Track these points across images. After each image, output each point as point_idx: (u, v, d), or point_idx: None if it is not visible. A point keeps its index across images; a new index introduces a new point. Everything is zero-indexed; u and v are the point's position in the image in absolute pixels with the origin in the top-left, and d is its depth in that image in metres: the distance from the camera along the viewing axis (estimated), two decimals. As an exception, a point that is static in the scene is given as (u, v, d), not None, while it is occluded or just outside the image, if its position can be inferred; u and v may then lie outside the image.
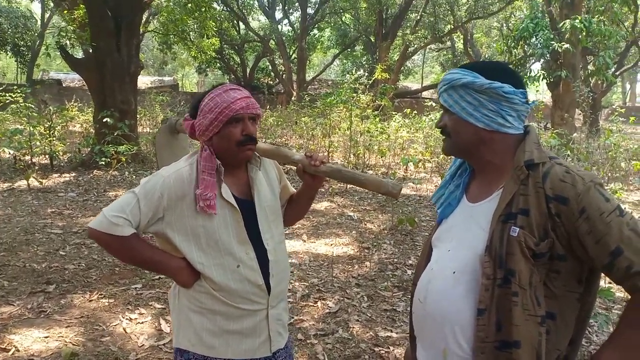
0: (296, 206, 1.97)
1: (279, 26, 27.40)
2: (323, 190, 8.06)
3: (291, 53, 27.36)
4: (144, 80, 26.93)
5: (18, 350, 3.13)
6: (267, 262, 1.73)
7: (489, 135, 1.32)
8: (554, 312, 1.23)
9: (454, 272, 1.32)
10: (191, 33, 18.37)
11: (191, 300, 1.70)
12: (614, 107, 17.12)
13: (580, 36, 13.17)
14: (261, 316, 1.73)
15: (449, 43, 27.85)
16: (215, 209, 1.64)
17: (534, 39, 15.63)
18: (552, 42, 13.75)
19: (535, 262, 1.21)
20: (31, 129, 9.05)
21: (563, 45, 13.34)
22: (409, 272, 4.71)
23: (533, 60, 19.11)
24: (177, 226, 1.65)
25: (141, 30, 12.06)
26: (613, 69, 18.14)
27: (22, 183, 7.76)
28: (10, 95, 10.53)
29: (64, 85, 25.28)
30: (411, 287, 1.53)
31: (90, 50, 9.70)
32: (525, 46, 16.80)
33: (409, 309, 3.91)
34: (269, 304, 1.73)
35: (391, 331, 3.56)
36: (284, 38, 26.77)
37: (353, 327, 3.60)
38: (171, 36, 16.96)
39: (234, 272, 1.66)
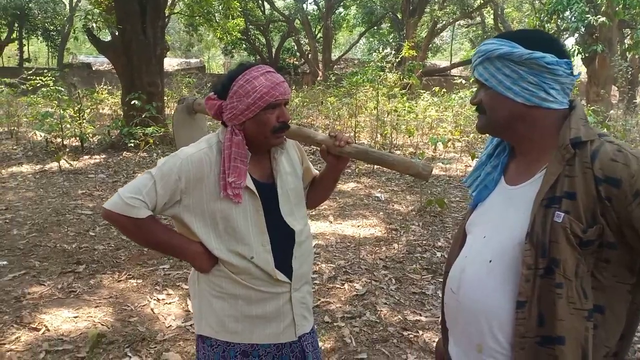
0: (319, 189, 1.90)
1: (304, 5, 27.05)
2: (349, 170, 7.97)
3: (317, 32, 27.06)
4: (171, 63, 27.07)
5: (48, 330, 3.18)
6: (292, 244, 1.67)
7: (529, 111, 1.20)
8: (602, 305, 1.12)
9: (490, 261, 1.22)
10: (216, 14, 18.27)
11: (211, 286, 1.65)
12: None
13: (617, 8, 12.60)
14: (284, 299, 1.67)
15: (478, 19, 27.07)
16: (241, 197, 1.58)
17: (567, 13, 15.02)
18: (587, 15, 13.18)
19: (582, 251, 1.10)
20: (61, 111, 9.18)
21: (599, 18, 12.78)
22: (439, 254, 4.61)
23: (567, 35, 18.37)
24: (195, 210, 1.59)
25: (167, 12, 12.05)
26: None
27: (53, 165, 7.90)
28: (40, 79, 10.70)
29: (93, 68, 25.62)
30: (443, 275, 1.44)
31: (117, 33, 9.74)
32: (559, 20, 16.14)
33: (438, 292, 3.86)
34: (292, 286, 1.68)
35: (420, 315, 3.49)
36: (309, 17, 26.45)
37: (381, 310, 3.53)
38: (196, 17, 16.90)
39: (249, 262, 1.61)
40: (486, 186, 1.34)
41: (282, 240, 1.66)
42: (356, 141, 9.74)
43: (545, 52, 1.16)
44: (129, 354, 2.94)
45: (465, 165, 8.66)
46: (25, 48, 29.97)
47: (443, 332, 1.46)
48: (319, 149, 1.75)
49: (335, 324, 3.35)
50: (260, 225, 1.61)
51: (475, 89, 1.32)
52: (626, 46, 15.69)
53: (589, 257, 1.11)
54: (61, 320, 3.31)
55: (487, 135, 1.36)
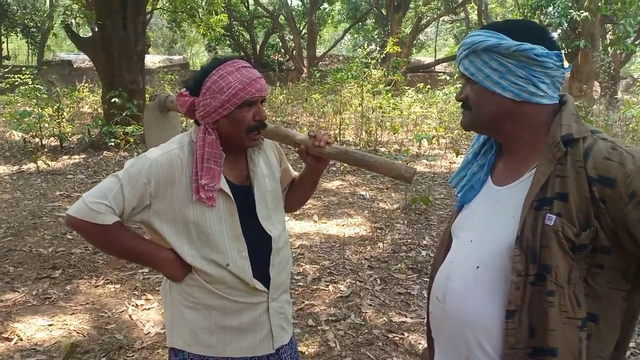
0: (298, 191, 1.80)
1: (288, 1, 26.92)
2: (334, 168, 7.90)
3: (301, 28, 26.90)
4: (153, 60, 26.71)
5: (21, 339, 3.05)
6: (269, 252, 1.58)
7: (518, 107, 1.12)
8: (596, 314, 1.05)
9: (477, 267, 1.14)
10: (199, 10, 18.05)
11: (184, 295, 1.55)
12: (635, 77, 16.58)
13: (599, 4, 12.68)
14: (261, 310, 1.58)
15: (462, 14, 27.14)
16: (215, 201, 1.48)
17: (551, 8, 15.11)
18: (570, 11, 13.28)
19: (575, 256, 1.03)
20: (40, 110, 8.96)
21: (582, 13, 12.87)
22: (424, 253, 4.56)
23: (550, 30, 18.53)
24: (166, 216, 1.49)
25: (149, 7, 11.84)
26: (632, 38, 17.51)
27: (31, 165, 7.70)
28: (19, 77, 10.45)
29: (74, 66, 25.18)
30: (429, 281, 1.36)
31: (96, 29, 9.53)
32: (542, 16, 16.24)
33: (424, 292, 3.80)
34: (269, 296, 1.58)
35: (405, 316, 3.43)
36: (293, 13, 26.29)
37: (366, 312, 3.47)
38: (179, 13, 16.69)
39: (224, 269, 1.51)
40: (472, 186, 1.27)
41: (259, 246, 1.56)
42: (341, 138, 9.67)
43: (534, 44, 1.08)
44: (105, 363, 2.83)
45: (450, 162, 8.63)
46: (4, 45, 29.38)
47: (429, 341, 1.39)
48: (297, 149, 1.66)
49: (319, 327, 3.27)
50: (236, 230, 1.52)
51: (461, 84, 1.24)
52: (608, 41, 15.82)
53: (581, 263, 1.04)
54: (35, 329, 3.19)
55: (473, 132, 1.29)
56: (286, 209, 1.79)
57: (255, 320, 1.58)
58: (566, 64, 1.14)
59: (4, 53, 29.04)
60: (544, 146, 1.10)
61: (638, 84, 11.00)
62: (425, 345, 1.43)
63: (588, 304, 1.05)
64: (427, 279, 3.98)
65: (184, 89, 1.54)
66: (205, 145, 1.47)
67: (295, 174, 1.83)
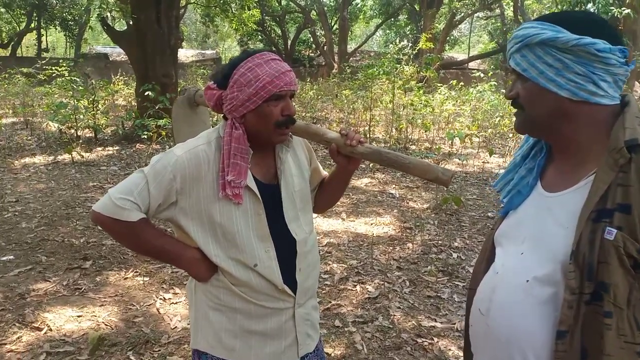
0: (328, 192, 1.73)
1: (321, -4, 26.79)
2: (363, 166, 7.81)
3: (333, 24, 26.80)
4: (186, 54, 27.04)
5: (50, 330, 3.09)
6: (295, 255, 1.52)
7: (575, 107, 1.03)
8: None
9: (527, 281, 1.05)
10: (232, 5, 18.14)
11: (209, 296, 1.51)
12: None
13: (643, 0, 12.20)
14: (287, 316, 1.52)
15: (497, 10, 26.55)
16: (242, 198, 1.42)
17: (590, 5, 14.61)
18: (612, 8, 12.81)
19: (636, 274, 0.94)
20: (75, 102, 9.14)
21: (623, 10, 12.40)
22: (455, 255, 4.44)
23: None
24: (192, 213, 1.44)
25: (183, 2, 11.94)
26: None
27: (66, 156, 7.85)
28: (56, 69, 10.68)
29: (110, 59, 25.69)
30: (468, 291, 1.28)
31: (131, 23, 9.65)
32: (582, 13, 15.72)
33: (454, 296, 3.70)
34: (295, 301, 1.52)
35: (435, 321, 3.34)
36: (325, 8, 26.19)
37: (394, 315, 3.39)
38: (212, 8, 16.79)
39: (251, 270, 1.46)
40: (519, 192, 1.18)
41: (285, 249, 1.50)
42: (371, 135, 9.56)
43: (595, 38, 0.99)
44: (132, 357, 2.83)
45: (483, 162, 8.44)
46: (43, 38, 30.18)
47: (465, 356, 1.31)
48: (328, 148, 1.59)
49: (346, 328, 3.21)
50: (262, 230, 1.46)
51: (511, 80, 1.14)
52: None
53: None
54: (64, 320, 3.22)
55: (514, 132, 1.19)
56: (315, 210, 1.74)
57: (281, 327, 1.52)
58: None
59: (43, 45, 29.83)
60: (604, 151, 1.01)
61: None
62: (459, 359, 1.35)
63: None
64: (458, 283, 3.89)
65: (212, 82, 1.49)
66: (232, 140, 1.42)
67: (325, 173, 1.76)
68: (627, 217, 0.94)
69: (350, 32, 29.07)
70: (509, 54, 1.09)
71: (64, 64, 11.50)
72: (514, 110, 1.14)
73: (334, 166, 1.65)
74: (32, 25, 27.07)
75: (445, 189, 6.37)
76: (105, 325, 3.18)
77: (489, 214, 5.65)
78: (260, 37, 27.71)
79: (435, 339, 3.12)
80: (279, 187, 1.52)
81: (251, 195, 1.46)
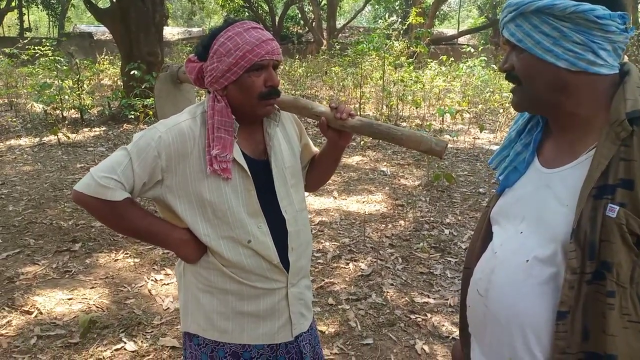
0: (319, 169, 1.68)
1: (309, -29, 26.32)
2: (354, 143, 7.76)
3: (321, -1, 26.39)
4: (172, 32, 26.59)
5: (41, 313, 3.05)
6: (286, 234, 1.48)
7: (574, 77, 0.98)
8: None
9: (527, 261, 1.02)
10: (218, -20, 17.79)
11: (198, 279, 1.47)
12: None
13: (635, -27, 12.09)
14: (280, 295, 1.49)
15: (488, -15, 26.30)
16: (230, 173, 1.37)
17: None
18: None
19: (639, 252, 0.91)
20: (60, 82, 8.95)
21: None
22: (447, 231, 4.44)
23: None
24: (179, 191, 1.39)
25: (166, -23, 11.66)
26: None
27: (52, 138, 7.72)
28: (39, 49, 10.44)
29: (94, 38, 25.17)
30: (463, 271, 1.25)
31: (115, 0, 9.42)
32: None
33: (447, 272, 3.71)
34: (288, 281, 1.49)
35: (428, 297, 3.34)
36: (313, -16, 25.74)
37: (387, 292, 3.39)
38: (198, -16, 16.47)
39: (245, 247, 1.42)
40: (516, 168, 1.13)
41: (276, 228, 1.46)
42: (361, 113, 9.49)
43: (594, 3, 0.93)
44: (124, 339, 2.81)
45: (474, 138, 8.42)
46: (25, 17, 29.47)
47: (462, 335, 1.28)
48: (317, 122, 1.53)
49: (339, 306, 3.21)
50: (253, 206, 1.42)
51: (505, 52, 1.09)
52: (640, 14, 15.17)
53: None
54: (55, 303, 3.19)
55: (505, 108, 1.15)
56: (306, 188, 1.69)
57: (274, 307, 1.49)
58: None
59: (25, 25, 29.15)
60: (604, 124, 0.96)
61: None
62: (453, 334, 1.32)
63: None
64: (450, 259, 3.90)
65: (193, 54, 1.43)
66: (214, 113, 1.37)
67: (316, 150, 1.71)
68: (630, 193, 0.90)
69: (338, 8, 28.64)
70: (502, 23, 1.04)
71: (47, 44, 11.26)
72: (505, 86, 1.09)
73: (324, 143, 1.61)
74: (13, 4, 26.38)
75: (436, 165, 6.35)
76: (96, 307, 3.15)
77: (480, 190, 5.65)
78: (247, 13, 27.24)
79: (429, 315, 3.12)
80: (269, 162, 1.47)
81: (240, 171, 1.41)
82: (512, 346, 1.04)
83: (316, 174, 1.70)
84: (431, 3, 22.90)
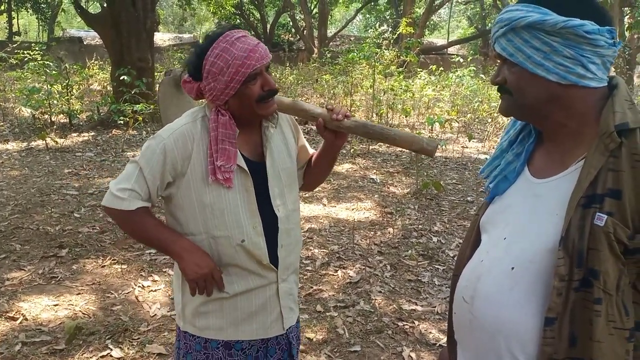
0: (316, 169, 1.75)
1: (300, -21, 26.45)
2: (344, 151, 7.79)
3: (312, 8, 26.53)
4: (163, 38, 26.53)
5: (26, 319, 3.02)
6: (277, 232, 1.55)
7: (564, 90, 1.00)
8: None
9: (512, 268, 1.03)
10: (210, -13, 17.83)
11: None
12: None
13: (620, -14, 12.31)
14: (271, 291, 1.57)
15: (477, -4, 26.60)
16: (232, 182, 1.45)
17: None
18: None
19: (626, 260, 0.93)
20: (49, 87, 8.89)
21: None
22: (435, 239, 4.47)
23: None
24: (184, 190, 1.48)
25: (157, -16, 11.66)
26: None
27: (40, 142, 7.66)
28: (28, 53, 10.36)
29: (84, 42, 25.04)
30: (452, 278, 1.26)
31: (105, 5, 9.40)
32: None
33: (435, 280, 3.73)
34: (278, 277, 1.57)
35: (416, 304, 3.36)
36: (305, -8, 25.87)
37: (375, 299, 3.40)
38: (189, -10, 16.48)
39: (238, 246, 1.48)
40: (506, 177, 1.16)
41: (268, 226, 1.53)
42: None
43: (584, 19, 0.96)
44: (110, 346, 2.79)
45: (462, 147, 8.49)
46: (14, 21, 29.25)
47: (449, 342, 1.30)
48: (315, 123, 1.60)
49: (327, 313, 3.21)
50: (251, 205, 1.50)
51: (497, 65, 1.11)
52: (626, 25, 15.42)
53: (632, 267, 0.95)
54: (40, 309, 3.15)
55: (493, 117, 1.17)
56: (304, 188, 1.78)
57: (266, 303, 1.56)
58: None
59: (14, 29, 28.94)
60: (593, 136, 0.99)
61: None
62: (440, 341, 1.34)
63: (636, 312, 0.95)
64: (438, 267, 3.92)
65: (187, 75, 1.50)
66: (218, 126, 1.44)
67: (313, 151, 1.78)
68: (617, 203, 0.93)
69: (330, 17, 28.81)
70: (494, 38, 1.06)
71: (37, 48, 11.18)
72: (494, 96, 1.12)
73: (321, 144, 1.67)
74: (3, 7, 26.19)
75: (425, 173, 6.39)
76: (83, 314, 3.13)
77: (469, 198, 5.69)
78: (238, 20, 27.29)
79: (416, 322, 3.14)
80: (265, 163, 1.54)
81: (240, 172, 1.48)
82: (497, 353, 1.05)
83: (314, 173, 1.77)
84: (421, 13, 23.12)
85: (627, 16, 16.78)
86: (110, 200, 1.46)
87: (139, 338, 2.89)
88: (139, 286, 3.50)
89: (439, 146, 7.80)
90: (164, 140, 1.44)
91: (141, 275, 3.67)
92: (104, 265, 3.79)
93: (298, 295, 3.36)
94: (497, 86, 1.10)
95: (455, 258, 3.88)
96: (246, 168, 1.48)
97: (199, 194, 1.46)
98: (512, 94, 1.06)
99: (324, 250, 4.19)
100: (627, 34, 15.97)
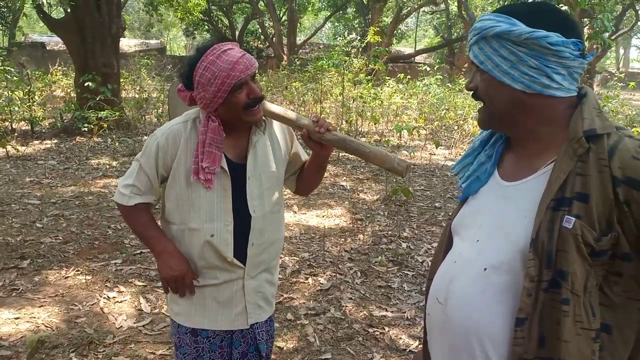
0: (307, 175, 1.84)
1: (269, -13, 26.46)
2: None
3: (281, 15, 26.55)
4: (129, 43, 26.11)
5: (-16, 334, 2.90)
6: (249, 230, 1.65)
7: (529, 99, 1.03)
8: (609, 324, 0.98)
9: (484, 269, 1.06)
10: (177, -7, 17.65)
11: None
12: (612, 72, 16.87)
13: (579, -2, 12.72)
14: (237, 286, 1.68)
15: (443, 5, 27.15)
16: (212, 183, 1.59)
17: (529, 1, 15.16)
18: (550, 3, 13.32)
19: (593, 262, 0.96)
20: (10, 93, 8.63)
21: (561, 7, 12.93)
22: (404, 245, 4.51)
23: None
24: (170, 184, 1.64)
25: (123, -11, 11.47)
26: (609, 32, 17.72)
27: (0, 150, 7.41)
28: (-13, 58, 10.03)
29: (47, 48, 24.40)
30: (427, 282, 1.28)
31: (69, 10, 9.20)
32: (522, 9, 16.25)
33: (404, 285, 3.75)
34: (245, 273, 1.67)
35: (386, 310, 3.37)
36: (273, -1, 25.91)
37: (346, 306, 3.40)
38: (156, -4, 16.28)
39: (206, 241, 1.61)
40: (478, 178, 1.18)
41: (241, 224, 1.64)
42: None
43: (549, 31, 0.99)
44: (75, 359, 2.70)
45: (430, 154, 8.61)
46: (-28, 25, 28.28)
47: (425, 344, 1.31)
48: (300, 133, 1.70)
49: (298, 321, 3.19)
50: (227, 204, 1.61)
51: (472, 72, 1.15)
52: (586, 36, 15.97)
53: (598, 269, 0.97)
54: (0, 323, 3.03)
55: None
56: (298, 192, 1.91)
57: (232, 296, 1.67)
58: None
59: (-27, 33, 27.98)
60: (562, 141, 1.02)
61: (615, 78, 11.13)
62: (410, 347, 1.35)
63: (602, 313, 0.98)
64: (408, 272, 3.95)
65: (181, 84, 1.63)
66: (208, 131, 1.56)
67: (307, 157, 1.85)
68: (585, 206, 0.95)
69: (299, 24, 28.90)
70: (469, 45, 1.10)
71: (-4, 53, 10.81)
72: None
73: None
74: (-40, 10, 25.30)
75: (394, 180, 6.46)
76: (45, 326, 3.02)
77: (437, 204, 5.77)
78: (206, 27, 27.08)
79: (387, 329, 3.15)
80: (246, 166, 1.65)
81: (222, 173, 1.60)
82: (471, 353, 1.06)
83: (304, 179, 1.87)
84: (389, 22, 23.44)
85: (587, 27, 17.40)
86: (117, 196, 1.67)
87: (104, 351, 2.81)
88: (104, 297, 3.41)
89: (407, 154, 7.90)
90: (157, 138, 1.62)
91: (106, 286, 3.58)
92: (68, 277, 3.68)
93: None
94: (471, 92, 1.13)
95: (425, 263, 3.91)
96: (227, 169, 1.60)
97: (181, 187, 1.61)
98: (484, 101, 1.10)
99: (295, 257, 4.17)
100: (586, 44, 16.52)
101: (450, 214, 5.38)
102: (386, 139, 9.07)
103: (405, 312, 3.35)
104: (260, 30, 27.10)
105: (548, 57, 1.00)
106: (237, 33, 27.14)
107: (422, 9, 27.21)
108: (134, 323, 3.11)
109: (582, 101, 1.04)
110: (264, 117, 1.65)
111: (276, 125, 1.75)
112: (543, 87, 1.02)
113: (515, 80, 1.03)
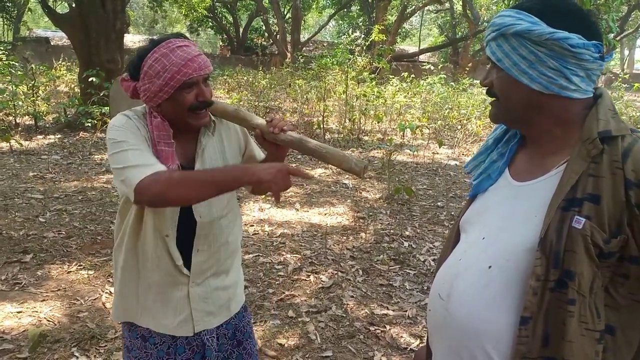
0: None
1: (273, -16, 26.44)
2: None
3: (285, 12, 26.55)
4: (133, 39, 26.18)
5: (-13, 327, 2.92)
6: (194, 236, 1.56)
7: (546, 99, 1.03)
8: (614, 326, 0.98)
9: (489, 267, 1.05)
10: (182, -10, 17.65)
11: (123, 259, 1.59)
12: (617, 73, 16.79)
13: (585, -2, 12.70)
14: (182, 292, 1.58)
15: (447, 4, 27.10)
16: None
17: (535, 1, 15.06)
18: (556, 5, 13.26)
19: (600, 263, 0.96)
20: (14, 88, 8.64)
21: None
22: (406, 244, 4.51)
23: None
24: None
25: (128, -15, 11.48)
26: (614, 33, 17.67)
27: (3, 145, 7.42)
28: (-9, 53, 10.05)
29: (52, 43, 24.44)
30: (433, 279, 1.28)
31: (74, 5, 9.21)
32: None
33: (406, 284, 3.76)
34: (190, 280, 1.57)
35: (387, 308, 3.37)
36: (278, -3, 25.87)
37: (347, 304, 3.40)
38: (161, -8, 16.28)
39: (161, 240, 1.52)
40: (490, 175, 1.18)
41: (186, 229, 1.55)
42: (324, 126, 9.56)
43: (571, 32, 0.98)
44: (76, 354, 2.71)
45: (433, 153, 8.60)
46: (-23, 19, 28.33)
47: (427, 340, 1.31)
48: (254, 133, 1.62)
49: (299, 319, 3.20)
50: (173, 209, 1.51)
51: (488, 67, 1.13)
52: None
53: (605, 271, 0.97)
54: (3, 316, 3.05)
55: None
56: (253, 192, 1.72)
57: (176, 303, 1.58)
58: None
59: (-23, 27, 28.04)
60: (576, 142, 1.02)
61: (619, 79, 11.11)
62: (411, 345, 1.35)
63: (607, 315, 0.98)
64: (409, 271, 3.95)
65: (126, 74, 1.52)
66: (153, 128, 1.47)
67: (263, 157, 1.76)
68: (596, 207, 0.95)
69: (303, 22, 28.88)
70: (486, 41, 1.08)
71: (1, 48, 10.87)
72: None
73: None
74: (-35, 5, 25.34)
75: (397, 179, 6.45)
76: (47, 321, 3.03)
77: (439, 204, 5.77)
78: (210, 23, 27.13)
79: (388, 327, 3.15)
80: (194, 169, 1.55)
81: None
82: (471, 350, 1.06)
83: None
84: (393, 21, 23.41)
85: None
86: (138, 186, 1.31)
87: (106, 346, 2.82)
88: (106, 292, 3.42)
89: (411, 152, 7.89)
90: (124, 119, 1.46)
91: (108, 281, 3.59)
92: (70, 271, 3.70)
93: (270, 300, 3.35)
94: (486, 89, 1.12)
95: (427, 262, 3.91)
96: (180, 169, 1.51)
97: None
98: (499, 98, 1.09)
99: (297, 255, 4.18)
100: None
101: (452, 213, 5.38)
102: (389, 137, 9.06)
103: (406, 311, 3.35)
104: (264, 28, 27.11)
105: (568, 58, 0.99)
106: (241, 30, 27.17)
107: (426, 8, 27.17)
108: (136, 318, 3.11)
109: (597, 102, 1.03)
110: (214, 118, 1.59)
111: (230, 127, 1.65)
112: (561, 88, 1.01)
113: (533, 80, 1.02)
